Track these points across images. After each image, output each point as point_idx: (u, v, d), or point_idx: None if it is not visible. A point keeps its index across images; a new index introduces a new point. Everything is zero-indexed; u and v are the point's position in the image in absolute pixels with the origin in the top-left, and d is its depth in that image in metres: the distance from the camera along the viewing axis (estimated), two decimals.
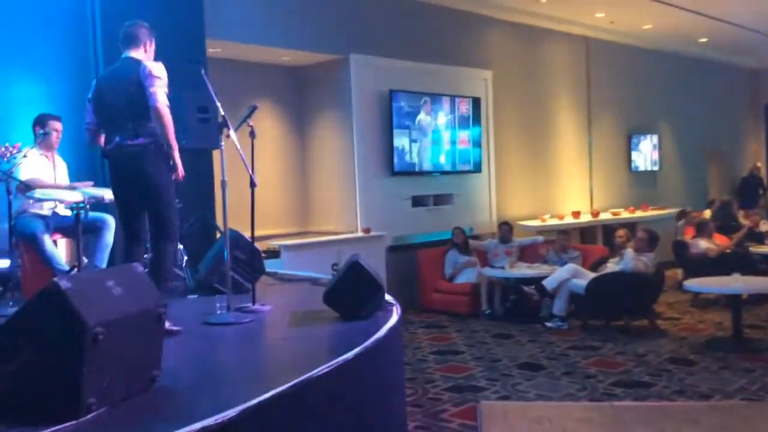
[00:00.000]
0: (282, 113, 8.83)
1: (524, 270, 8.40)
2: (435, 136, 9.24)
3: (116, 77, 3.86)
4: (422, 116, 9.06)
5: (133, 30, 3.91)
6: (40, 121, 4.85)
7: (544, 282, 7.74)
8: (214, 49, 6.95)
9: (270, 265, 6.04)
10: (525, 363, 6.18)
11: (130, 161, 3.76)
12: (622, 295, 7.27)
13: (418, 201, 9.19)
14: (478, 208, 9.91)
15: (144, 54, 3.90)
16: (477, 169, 9.79)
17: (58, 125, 4.85)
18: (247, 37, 7.51)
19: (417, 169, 9.06)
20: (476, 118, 9.72)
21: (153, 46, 3.99)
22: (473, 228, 9.62)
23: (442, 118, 9.32)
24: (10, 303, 4.47)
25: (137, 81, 3.72)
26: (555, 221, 10.56)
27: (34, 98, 5.37)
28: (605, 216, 11.42)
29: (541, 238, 9.35)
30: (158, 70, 3.77)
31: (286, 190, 8.83)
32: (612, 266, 7.73)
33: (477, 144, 9.76)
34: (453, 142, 9.47)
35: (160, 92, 3.73)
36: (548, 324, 7.60)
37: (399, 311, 3.88)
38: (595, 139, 12.02)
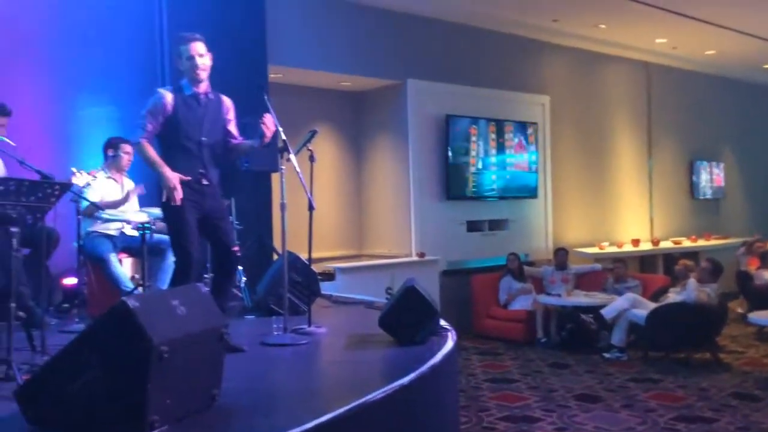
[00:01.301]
0: (340, 137, 8.95)
1: (581, 298, 8.24)
2: (491, 160, 9.20)
3: None
4: (478, 141, 9.04)
5: None
6: (112, 144, 5.04)
7: (603, 311, 7.57)
8: (275, 75, 7.11)
9: (325, 288, 6.09)
10: (582, 394, 6.04)
11: None
12: (683, 327, 7.05)
13: (473, 226, 9.14)
14: (534, 234, 9.80)
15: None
16: (533, 194, 9.70)
17: (128, 149, 5.00)
18: (308, 63, 7.66)
19: (472, 193, 9.02)
20: (533, 142, 9.65)
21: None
22: (528, 254, 9.51)
23: (498, 142, 9.28)
24: (76, 319, 4.63)
25: None
26: (613, 249, 10.35)
27: (104, 121, 5.59)
28: (666, 244, 11.13)
29: (599, 265, 9.17)
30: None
31: (342, 213, 8.91)
32: (673, 296, 7.51)
33: (533, 169, 9.68)
34: (509, 167, 9.41)
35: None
36: (606, 355, 7.42)
37: (454, 337, 3.86)
38: (656, 165, 11.77)
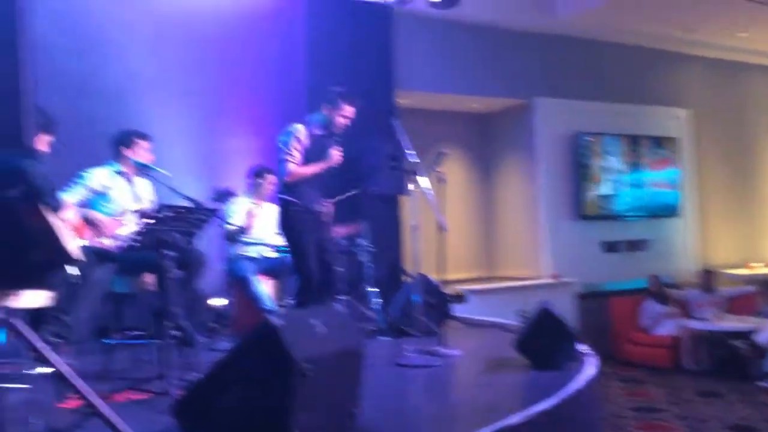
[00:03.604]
0: (467, 159, 8.93)
1: (733, 323, 7.69)
2: (626, 178, 8.85)
3: None
4: (612, 158, 8.73)
5: None
6: (258, 173, 5.30)
7: (758, 337, 7.02)
8: (403, 99, 7.23)
9: (456, 310, 6.05)
10: (737, 425, 5.61)
11: None
12: None
13: (609, 246, 8.79)
14: (677, 255, 9.27)
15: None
16: (674, 213, 9.20)
17: (272, 179, 5.26)
18: (435, 87, 7.73)
19: (608, 213, 8.69)
20: (672, 158, 9.17)
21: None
22: (671, 276, 9.00)
23: (634, 159, 8.91)
24: (224, 338, 4.88)
25: None
26: (766, 270, 9.58)
27: (245, 150, 5.89)
28: None
29: (751, 287, 8.53)
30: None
31: (472, 234, 8.86)
32: None
33: (674, 186, 9.19)
34: (647, 185, 9.00)
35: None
36: (763, 383, 6.86)
37: (596, 362, 3.71)
38: None
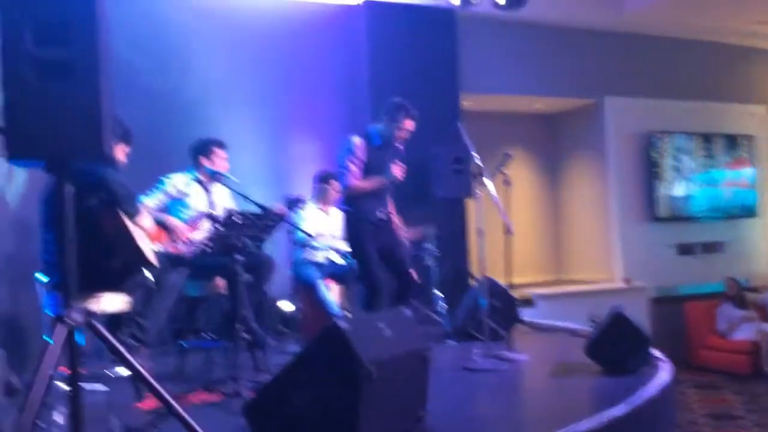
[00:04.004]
0: (534, 160, 8.82)
1: None
2: (701, 178, 8.56)
3: None
4: (685, 157, 8.46)
5: None
6: (324, 179, 5.38)
7: None
8: (467, 102, 7.21)
9: (524, 314, 5.97)
10: None
11: None
12: None
13: (684, 249, 8.51)
14: (755, 257, 8.90)
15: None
16: (751, 213, 8.84)
17: (337, 185, 5.32)
18: (500, 89, 7.66)
19: (682, 214, 8.43)
20: (748, 157, 8.82)
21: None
22: (749, 279, 8.65)
23: (708, 158, 8.61)
24: (292, 341, 4.97)
25: None
26: None
27: (311, 156, 5.99)
28: None
29: None
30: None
31: (539, 237, 8.73)
32: None
33: (750, 185, 8.84)
34: (722, 184, 8.68)
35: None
36: None
37: (670, 368, 3.61)
38: None
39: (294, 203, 4.42)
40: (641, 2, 7.56)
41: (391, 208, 4.49)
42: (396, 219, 4.51)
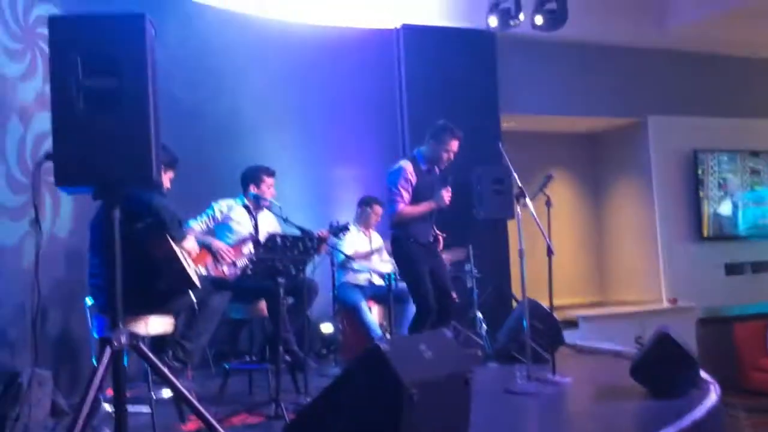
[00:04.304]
0: (576, 181, 8.73)
1: None
2: (750, 196, 8.37)
3: None
4: (733, 175, 8.28)
5: None
6: (366, 202, 5.43)
7: None
8: (508, 123, 7.19)
9: (567, 336, 5.87)
10: None
11: None
12: None
13: (732, 268, 8.30)
14: None
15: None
16: None
17: (379, 210, 5.38)
18: (540, 109, 7.64)
19: (731, 233, 8.24)
20: None
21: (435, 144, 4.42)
22: None
23: (755, 176, 8.42)
24: (333, 364, 4.99)
25: None
26: None
27: (352, 181, 6.04)
28: None
29: None
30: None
31: (582, 258, 8.62)
32: None
33: None
34: None
35: None
36: None
37: (718, 390, 3.51)
38: None
39: (340, 230, 4.49)
40: (685, 18, 7.47)
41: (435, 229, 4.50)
42: (440, 240, 4.51)
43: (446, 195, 4.28)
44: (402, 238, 4.35)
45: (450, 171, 4.52)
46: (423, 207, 4.30)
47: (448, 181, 4.35)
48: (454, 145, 4.35)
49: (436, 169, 4.43)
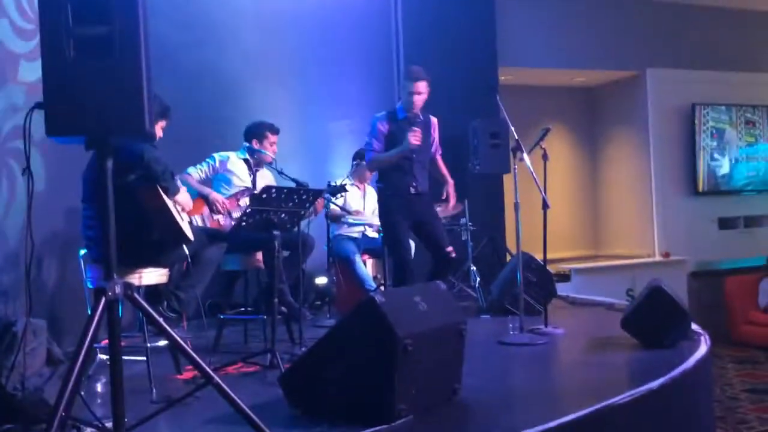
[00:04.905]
0: (573, 134, 8.69)
1: None
2: (745, 151, 8.36)
3: None
4: (730, 129, 8.25)
5: None
6: (361, 156, 5.38)
7: None
8: (505, 76, 7.11)
9: (560, 289, 5.92)
10: None
11: None
12: None
13: (725, 223, 8.35)
14: None
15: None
16: None
17: None
18: (538, 62, 7.56)
19: (725, 188, 8.25)
20: None
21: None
22: None
23: (752, 130, 8.38)
24: (327, 315, 5.04)
25: None
26: None
27: (347, 133, 5.98)
28: None
29: None
30: None
31: (577, 212, 8.64)
32: None
33: None
34: (765, 157, 8.45)
35: None
36: None
37: (708, 342, 3.56)
38: None
39: (337, 190, 4.45)
40: None
41: (450, 189, 4.41)
42: (453, 196, 4.44)
43: (412, 137, 4.10)
44: (381, 190, 4.37)
45: (443, 123, 4.47)
46: (392, 152, 4.21)
47: (416, 123, 4.20)
48: (419, 86, 4.17)
49: (420, 116, 4.26)
